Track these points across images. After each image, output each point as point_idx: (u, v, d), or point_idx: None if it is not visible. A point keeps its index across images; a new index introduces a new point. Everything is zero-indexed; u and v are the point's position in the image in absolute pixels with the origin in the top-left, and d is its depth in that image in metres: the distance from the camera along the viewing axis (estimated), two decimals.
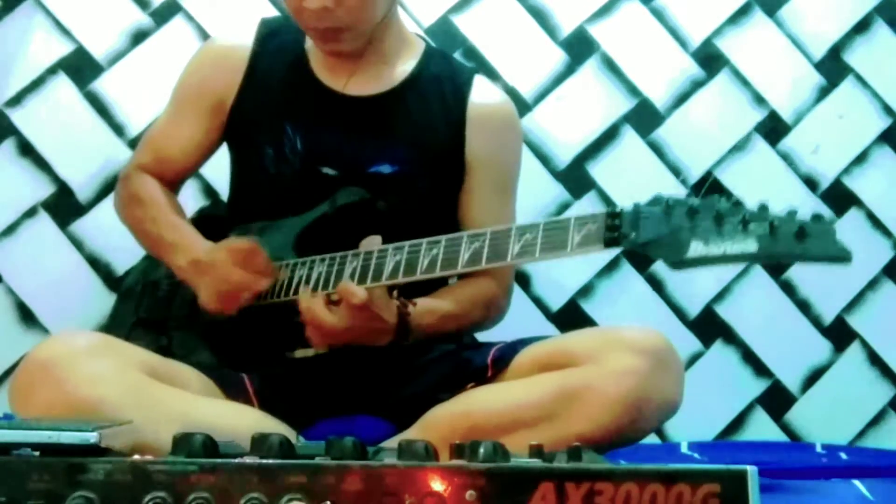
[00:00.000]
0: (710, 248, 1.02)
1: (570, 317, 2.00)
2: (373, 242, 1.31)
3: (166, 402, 1.19)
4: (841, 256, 0.98)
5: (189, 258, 1.41)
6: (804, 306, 2.05)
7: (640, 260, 2.02)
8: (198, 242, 1.44)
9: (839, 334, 2.05)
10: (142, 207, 1.53)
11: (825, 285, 2.04)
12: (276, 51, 1.54)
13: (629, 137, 2.07)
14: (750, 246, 1.00)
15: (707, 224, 1.02)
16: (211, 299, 1.36)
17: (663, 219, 1.06)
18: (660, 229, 1.06)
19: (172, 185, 1.60)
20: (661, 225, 1.06)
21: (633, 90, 2.08)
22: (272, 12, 2.02)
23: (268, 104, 1.51)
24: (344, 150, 1.47)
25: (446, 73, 1.55)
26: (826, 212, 2.06)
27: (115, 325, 1.60)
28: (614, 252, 1.99)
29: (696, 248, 1.02)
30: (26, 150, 1.99)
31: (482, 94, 1.55)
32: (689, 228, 1.03)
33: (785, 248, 0.99)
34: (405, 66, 1.53)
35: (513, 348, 1.36)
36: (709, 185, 2.00)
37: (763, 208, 1.01)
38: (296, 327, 1.36)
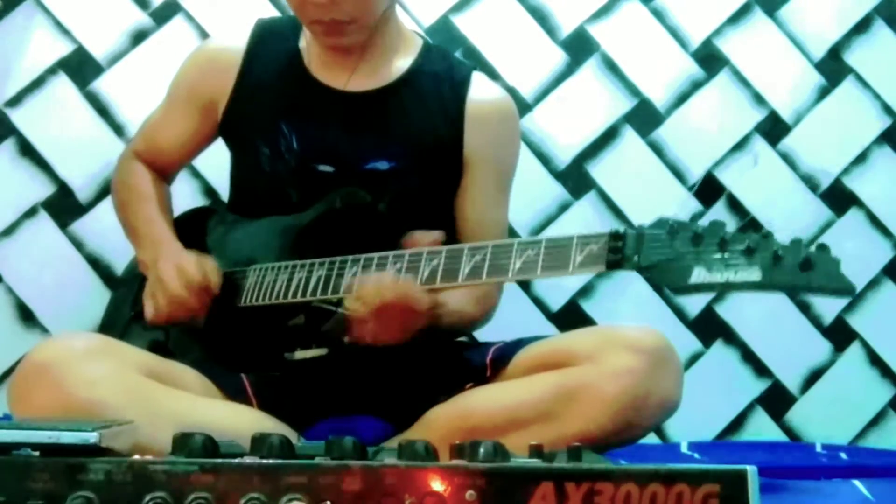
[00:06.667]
0: (713, 275, 1.00)
1: (571, 317, 2.00)
2: (425, 238, 1.30)
3: (165, 404, 1.19)
4: (844, 289, 0.97)
5: (152, 255, 1.44)
6: (804, 306, 2.05)
7: None
8: (165, 242, 1.47)
9: (839, 334, 2.05)
10: (127, 193, 1.60)
11: None
12: (271, 50, 1.54)
13: (629, 137, 2.07)
14: (753, 275, 0.99)
15: (711, 250, 1.01)
16: (150, 308, 1.39)
17: (667, 243, 1.04)
18: (663, 253, 1.05)
19: (164, 172, 1.64)
20: (664, 249, 1.05)
21: (633, 90, 2.08)
22: (272, 12, 2.02)
23: (262, 103, 1.51)
24: (340, 146, 1.47)
25: (444, 69, 1.55)
26: (826, 212, 2.06)
27: (111, 321, 1.60)
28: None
29: (698, 275, 1.01)
30: (26, 150, 1.99)
31: (481, 91, 1.54)
32: (693, 254, 1.02)
33: (789, 278, 0.97)
34: (402, 63, 1.53)
35: (512, 348, 1.36)
36: (712, 191, 1.99)
37: (768, 236, 1.00)
38: (296, 329, 1.36)
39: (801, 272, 0.97)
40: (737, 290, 1.01)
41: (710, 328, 2.04)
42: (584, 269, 1.12)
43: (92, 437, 0.77)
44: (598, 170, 2.06)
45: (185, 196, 1.85)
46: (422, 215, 1.47)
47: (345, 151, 1.47)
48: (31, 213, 1.98)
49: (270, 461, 0.76)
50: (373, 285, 1.25)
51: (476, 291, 1.47)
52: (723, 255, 1.00)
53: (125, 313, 1.56)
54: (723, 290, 1.01)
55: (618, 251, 1.09)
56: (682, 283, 1.02)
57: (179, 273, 1.36)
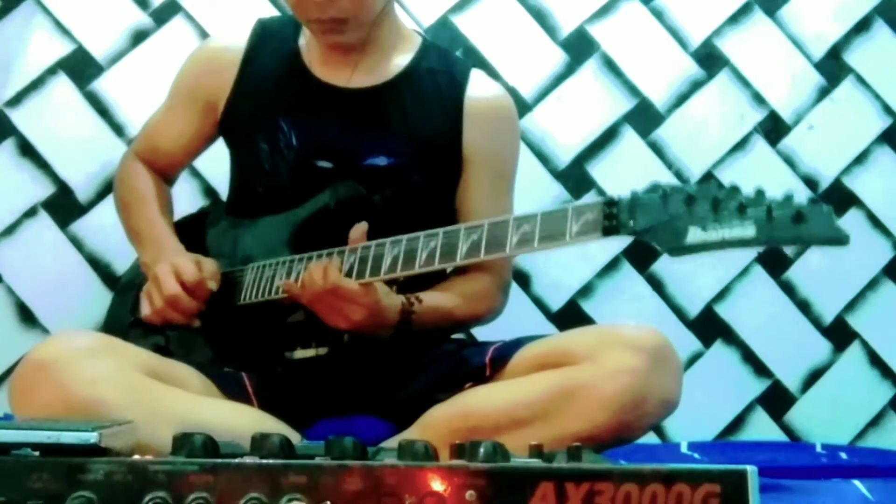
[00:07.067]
0: (708, 233, 1.01)
1: (571, 317, 2.00)
2: (359, 229, 1.32)
3: (166, 403, 1.19)
4: (838, 238, 0.97)
5: (154, 257, 1.45)
6: (804, 306, 2.05)
7: (640, 259, 2.02)
8: (167, 243, 1.48)
9: (839, 334, 2.05)
10: (129, 195, 1.61)
11: (825, 285, 2.04)
12: (271, 49, 1.55)
13: (629, 137, 2.07)
14: (748, 231, 0.99)
15: (704, 210, 1.02)
16: (146, 306, 1.39)
17: (661, 206, 1.05)
18: (657, 216, 1.05)
19: (166, 173, 1.65)
20: (658, 212, 1.05)
21: (633, 90, 2.08)
22: (272, 12, 2.02)
23: (262, 101, 1.52)
24: (338, 142, 1.48)
25: (443, 66, 1.55)
26: None
27: (112, 324, 1.60)
28: (613, 245, 2.00)
29: (694, 235, 1.02)
30: (26, 150, 1.99)
31: (479, 88, 1.55)
32: (687, 215, 1.03)
33: (783, 231, 0.98)
34: (401, 60, 1.53)
35: (511, 347, 1.36)
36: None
37: (760, 193, 1.01)
38: (296, 325, 1.36)
39: (794, 225, 0.97)
40: (733, 247, 1.01)
41: (710, 328, 2.04)
42: (581, 237, 1.12)
43: (92, 436, 0.77)
44: (598, 170, 2.06)
45: (185, 196, 1.85)
46: (421, 211, 1.47)
47: (344, 147, 1.47)
48: (31, 213, 1.98)
49: (270, 461, 0.76)
50: (306, 275, 1.29)
51: (467, 288, 1.47)
52: (716, 214, 1.01)
53: (125, 318, 1.56)
54: (719, 247, 1.01)
55: (613, 217, 1.09)
56: (679, 244, 1.03)
57: (175, 272, 1.36)
